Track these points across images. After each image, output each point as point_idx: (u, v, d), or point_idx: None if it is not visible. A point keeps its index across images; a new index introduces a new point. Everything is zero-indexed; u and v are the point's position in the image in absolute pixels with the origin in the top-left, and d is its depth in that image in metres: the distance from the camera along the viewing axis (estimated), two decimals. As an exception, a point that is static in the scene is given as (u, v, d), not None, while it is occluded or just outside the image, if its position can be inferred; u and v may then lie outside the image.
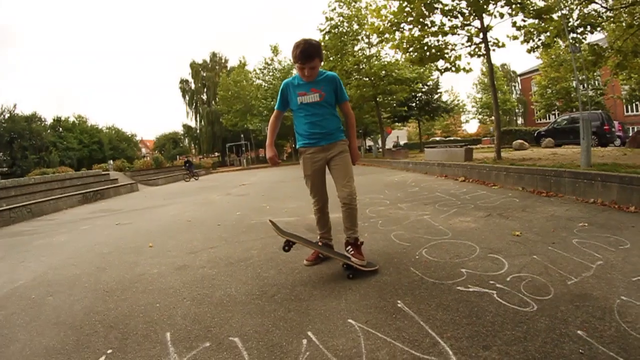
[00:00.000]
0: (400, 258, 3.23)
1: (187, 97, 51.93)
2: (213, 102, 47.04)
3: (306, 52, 2.77)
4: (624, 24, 10.87)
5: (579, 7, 10.58)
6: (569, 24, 9.90)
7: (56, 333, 2.39)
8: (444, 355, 1.72)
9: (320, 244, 3.28)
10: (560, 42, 12.16)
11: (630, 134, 17.99)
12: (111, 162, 28.38)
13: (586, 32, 10.47)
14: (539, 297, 2.23)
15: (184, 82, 51.84)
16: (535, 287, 2.36)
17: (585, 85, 26.24)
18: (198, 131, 51.86)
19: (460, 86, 75.08)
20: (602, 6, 10.36)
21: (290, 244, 3.10)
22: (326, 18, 19.36)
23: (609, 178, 4.89)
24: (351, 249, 3.02)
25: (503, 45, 9.80)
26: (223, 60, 52.38)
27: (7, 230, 8.05)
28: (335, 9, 19.15)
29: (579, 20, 10.40)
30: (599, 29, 10.76)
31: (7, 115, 33.82)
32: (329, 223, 3.30)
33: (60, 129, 39.28)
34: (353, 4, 19.00)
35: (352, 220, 3.00)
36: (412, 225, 4.45)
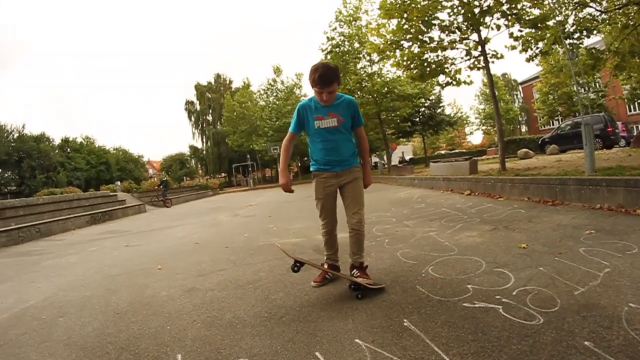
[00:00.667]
0: (406, 276, 3.24)
1: (192, 119, 52.66)
2: (219, 123, 47.56)
3: (325, 76, 2.77)
4: (619, 25, 10.95)
5: (574, 13, 10.70)
6: (565, 30, 10.00)
7: (68, 354, 2.42)
8: (450, 373, 1.74)
9: (326, 265, 3.27)
10: (559, 49, 12.25)
11: (635, 134, 17.93)
12: (118, 183, 28.62)
13: (582, 36, 10.56)
14: (545, 309, 2.23)
15: (189, 103, 52.65)
16: (542, 300, 2.37)
17: (586, 88, 26.26)
18: (204, 152, 52.38)
19: (462, 98, 75.63)
20: (596, 9, 10.46)
21: (298, 264, 3.11)
22: (327, 38, 19.72)
23: (614, 182, 4.91)
24: (357, 272, 3.06)
25: (502, 57, 9.95)
26: (227, 82, 53.22)
27: (16, 250, 8.15)
28: (336, 28, 19.52)
29: (574, 26, 10.51)
30: (595, 32, 10.86)
31: (16, 135, 34.32)
32: (337, 244, 3.29)
33: (68, 149, 39.80)
34: (353, 22, 19.34)
35: (359, 245, 3.06)
36: (418, 243, 4.46)
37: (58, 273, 5.14)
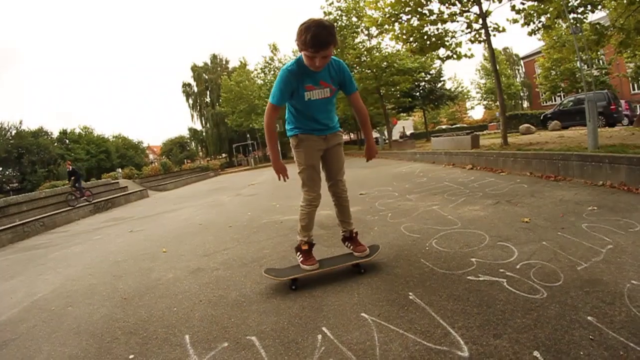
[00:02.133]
0: (410, 250, 3.26)
1: (190, 101, 52.16)
2: (217, 104, 47.19)
3: (320, 37, 2.25)
4: (625, 1, 10.68)
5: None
6: (569, 4, 9.76)
7: (78, 342, 2.46)
8: (456, 345, 1.76)
9: (307, 246, 2.86)
10: (562, 23, 11.98)
11: (638, 112, 17.76)
12: (119, 170, 28.62)
13: (587, 11, 10.32)
14: (548, 283, 2.25)
15: (186, 85, 52.06)
16: (545, 274, 2.39)
17: (590, 65, 25.85)
18: (204, 134, 52.12)
19: (463, 72, 74.75)
20: (602, -17, 10.19)
21: (295, 281, 2.78)
22: (324, 13, 19.33)
23: (617, 160, 4.87)
24: (349, 244, 2.99)
25: (503, 30, 9.74)
26: (224, 62, 52.48)
27: (22, 245, 8.22)
28: (333, 2, 19.11)
29: (578, 0, 10.26)
30: (599, 7, 10.60)
31: (13, 132, 34.26)
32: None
33: (67, 141, 39.70)
34: (351, -4, 18.95)
35: (348, 212, 2.97)
36: (421, 217, 4.47)
37: (64, 264, 5.18)
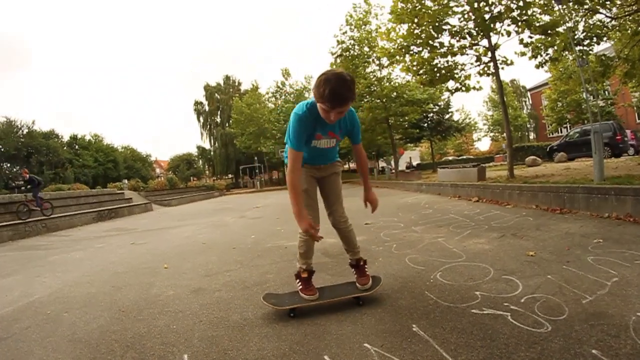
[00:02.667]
0: (415, 282, 3.24)
1: (201, 119, 52.98)
2: (227, 125, 47.78)
3: (339, 94, 2.16)
4: (629, 32, 10.86)
5: (583, 19, 10.62)
6: (575, 37, 9.93)
7: (72, 350, 2.44)
8: (459, 379, 1.74)
9: (306, 274, 2.87)
10: (569, 55, 12.20)
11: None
12: (126, 181, 28.76)
13: (592, 43, 10.50)
14: (553, 317, 2.23)
15: (198, 104, 52.97)
16: (550, 308, 2.37)
17: (595, 95, 26.02)
18: (212, 153, 52.64)
19: (471, 104, 75.37)
20: (606, 16, 10.38)
21: (293, 309, 2.75)
22: (337, 41, 19.76)
23: (623, 191, 4.89)
24: (355, 271, 2.96)
25: (512, 63, 9.94)
26: (236, 83, 53.53)
27: (22, 244, 8.22)
28: (346, 32, 19.55)
29: (584, 32, 10.44)
30: (605, 38, 10.78)
31: (25, 131, 34.71)
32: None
33: (77, 146, 40.17)
34: (363, 27, 19.38)
35: (352, 241, 2.91)
36: (426, 249, 4.45)
37: (64, 268, 5.19)
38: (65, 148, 38.17)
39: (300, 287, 2.85)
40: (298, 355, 2.14)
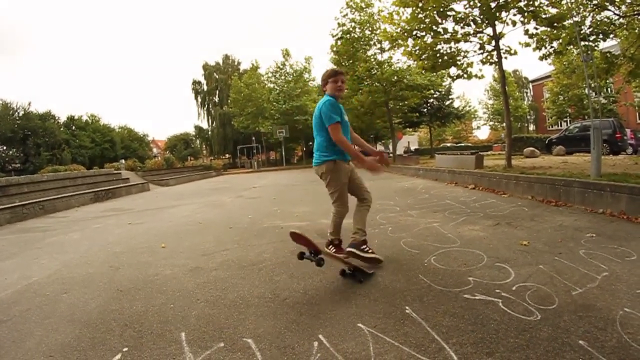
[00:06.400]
0: (409, 265, 3.30)
1: (199, 99, 52.38)
2: (225, 104, 47.38)
3: (337, 69, 3.49)
4: (637, 31, 10.76)
5: (591, 14, 10.51)
6: (582, 32, 9.84)
7: (71, 330, 2.48)
8: (449, 360, 1.80)
9: (334, 247, 3.48)
10: (573, 49, 12.08)
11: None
12: (123, 161, 28.57)
13: (599, 39, 10.41)
14: (543, 306, 2.29)
15: (196, 83, 52.33)
16: (540, 297, 2.42)
17: (598, 92, 25.93)
18: (210, 132, 52.24)
19: (472, 92, 74.77)
20: (614, 13, 10.27)
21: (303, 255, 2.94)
22: (338, 24, 19.47)
23: (618, 189, 4.91)
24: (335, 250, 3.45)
25: (515, 53, 9.84)
26: (236, 63, 52.77)
27: (20, 226, 8.17)
28: (347, 14, 19.25)
29: (591, 28, 10.34)
30: (611, 35, 10.69)
31: (21, 113, 34.30)
32: None
33: (74, 127, 39.75)
34: (365, 9, 19.09)
35: (365, 220, 3.39)
36: (421, 233, 4.51)
37: (62, 250, 5.20)
38: (62, 129, 37.76)
39: (334, 250, 3.38)
40: (293, 333, 2.20)
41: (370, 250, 3.26)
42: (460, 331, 2.06)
